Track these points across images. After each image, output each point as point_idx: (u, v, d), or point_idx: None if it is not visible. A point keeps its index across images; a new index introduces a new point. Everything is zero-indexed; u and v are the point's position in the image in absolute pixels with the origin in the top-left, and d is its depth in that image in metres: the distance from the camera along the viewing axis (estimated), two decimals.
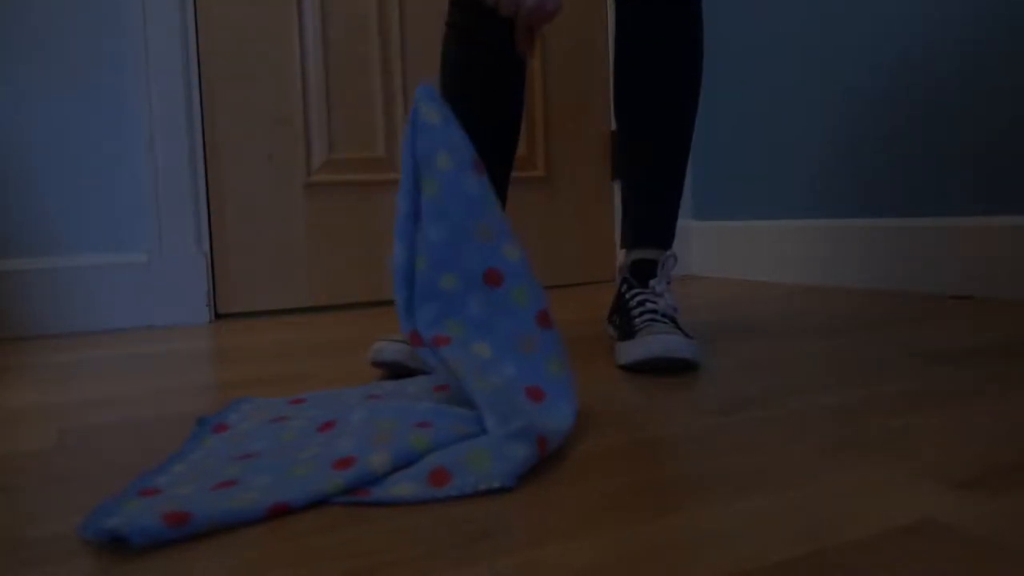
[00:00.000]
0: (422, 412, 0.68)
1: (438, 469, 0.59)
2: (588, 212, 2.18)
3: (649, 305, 1.02)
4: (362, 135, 1.93)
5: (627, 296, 1.07)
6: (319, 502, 0.56)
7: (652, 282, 1.06)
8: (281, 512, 0.54)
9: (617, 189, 2.21)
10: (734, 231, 2.06)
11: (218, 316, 1.84)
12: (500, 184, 1.14)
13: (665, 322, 0.99)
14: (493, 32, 1.07)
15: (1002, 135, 1.44)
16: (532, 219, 2.11)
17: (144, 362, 1.25)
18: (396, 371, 1.00)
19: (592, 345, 1.19)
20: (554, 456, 0.65)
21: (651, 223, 1.10)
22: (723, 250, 2.12)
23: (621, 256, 1.11)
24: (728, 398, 0.82)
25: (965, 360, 0.94)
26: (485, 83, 1.11)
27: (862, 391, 0.82)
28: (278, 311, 1.89)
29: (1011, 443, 0.62)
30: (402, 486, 0.58)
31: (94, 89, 1.68)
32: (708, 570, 0.44)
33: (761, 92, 1.98)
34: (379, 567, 0.46)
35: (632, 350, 0.95)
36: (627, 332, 1.01)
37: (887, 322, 1.25)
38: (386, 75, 1.93)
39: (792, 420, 0.72)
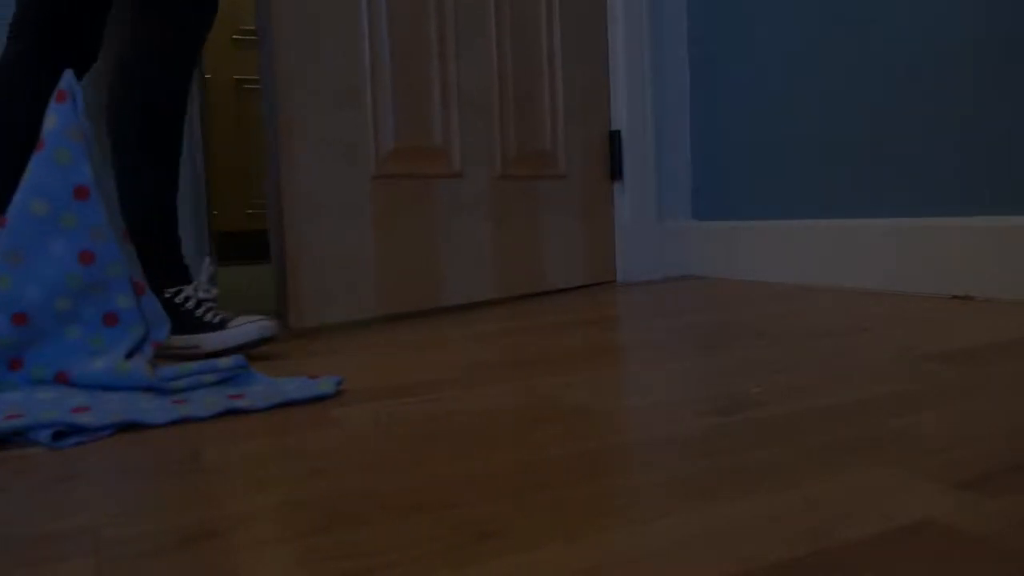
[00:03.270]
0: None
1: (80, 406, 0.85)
2: (588, 212, 2.18)
3: None
4: (420, 125, 1.91)
5: None
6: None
7: None
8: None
9: (617, 189, 2.21)
10: (734, 231, 2.06)
11: None
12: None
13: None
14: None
15: (1003, 135, 1.44)
16: (532, 219, 2.10)
17: None
18: None
19: (593, 348, 1.18)
20: (554, 456, 0.65)
21: None
22: (723, 250, 2.12)
23: None
24: (728, 398, 0.82)
25: (965, 360, 0.94)
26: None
27: (862, 391, 0.82)
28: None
29: (1011, 443, 0.62)
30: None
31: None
32: (708, 570, 0.44)
33: (761, 92, 1.98)
34: (379, 567, 0.46)
35: None
36: None
37: (887, 322, 1.25)
38: (442, 60, 1.86)
39: (792, 420, 0.72)
